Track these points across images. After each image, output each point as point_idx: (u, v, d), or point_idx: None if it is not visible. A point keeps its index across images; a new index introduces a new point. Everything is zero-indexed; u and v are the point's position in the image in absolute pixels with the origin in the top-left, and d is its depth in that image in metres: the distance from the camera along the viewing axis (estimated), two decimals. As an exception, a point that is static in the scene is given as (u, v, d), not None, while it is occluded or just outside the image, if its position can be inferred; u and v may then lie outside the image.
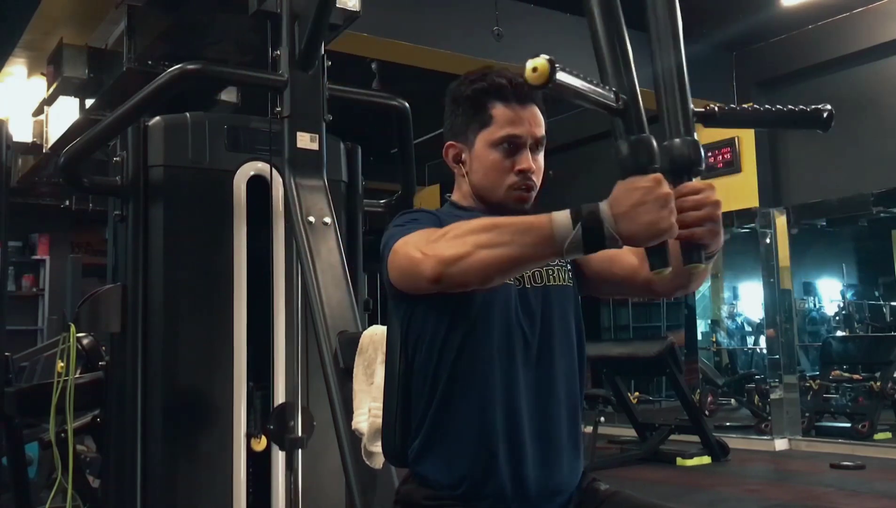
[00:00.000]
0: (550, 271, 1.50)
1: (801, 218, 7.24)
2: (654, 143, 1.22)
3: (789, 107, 1.35)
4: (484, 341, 1.41)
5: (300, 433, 2.63)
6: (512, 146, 1.47)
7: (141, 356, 2.69)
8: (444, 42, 5.40)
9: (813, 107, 1.33)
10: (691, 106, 1.29)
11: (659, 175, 1.17)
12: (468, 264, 1.23)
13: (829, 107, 1.32)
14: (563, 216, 1.19)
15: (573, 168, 8.43)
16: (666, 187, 1.16)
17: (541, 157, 1.51)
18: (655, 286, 1.51)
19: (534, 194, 1.50)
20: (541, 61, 1.06)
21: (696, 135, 1.26)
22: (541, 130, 1.50)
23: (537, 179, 1.50)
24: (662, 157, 1.23)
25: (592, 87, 1.16)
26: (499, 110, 1.47)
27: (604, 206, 1.17)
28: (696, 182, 1.23)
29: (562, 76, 1.08)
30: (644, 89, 1.27)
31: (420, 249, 1.30)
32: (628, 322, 11.02)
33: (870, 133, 6.46)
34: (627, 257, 1.53)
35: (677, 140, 1.25)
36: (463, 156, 1.53)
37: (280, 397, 2.75)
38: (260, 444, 2.70)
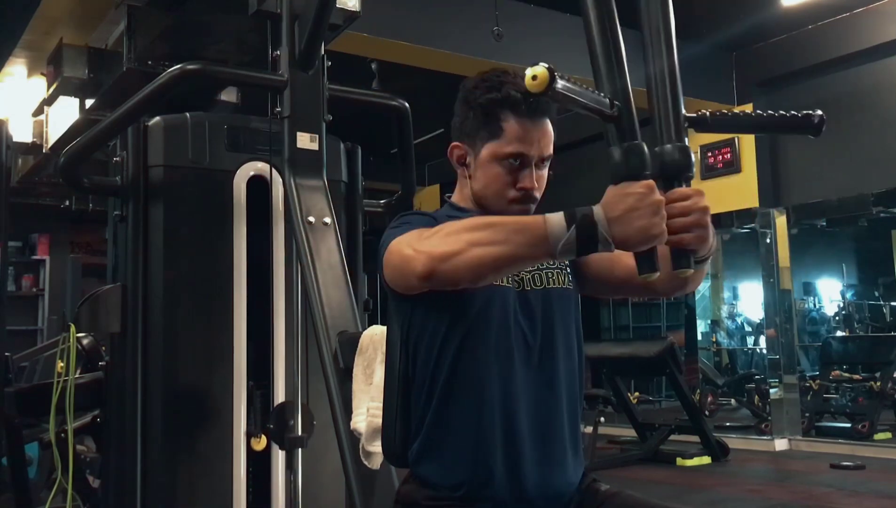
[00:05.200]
0: (550, 275, 1.50)
1: (800, 218, 7.24)
2: (646, 150, 1.24)
3: (780, 112, 1.35)
4: (482, 343, 1.41)
5: (300, 433, 2.63)
6: (518, 163, 1.46)
7: (141, 356, 2.69)
8: (444, 42, 5.40)
9: (804, 112, 1.33)
10: (683, 112, 1.30)
11: (651, 182, 1.20)
12: (460, 262, 1.23)
13: (820, 112, 1.33)
14: (557, 218, 1.20)
15: (573, 168, 8.43)
16: (657, 194, 1.19)
17: (545, 171, 1.50)
18: (655, 287, 1.49)
19: (534, 206, 1.50)
20: (540, 70, 1.08)
21: (686, 141, 1.28)
22: (549, 148, 1.48)
23: (539, 194, 1.50)
24: (654, 162, 1.24)
25: (589, 93, 1.18)
26: (510, 124, 1.44)
27: (598, 209, 1.20)
28: (685, 189, 1.26)
29: (561, 84, 1.09)
30: (641, 89, 1.28)
31: (412, 246, 1.30)
32: (628, 322, 11.02)
33: (870, 133, 6.46)
34: (626, 259, 1.51)
35: (668, 146, 1.28)
36: (468, 159, 1.52)
37: (280, 396, 2.76)
38: (260, 444, 2.70)
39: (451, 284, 1.28)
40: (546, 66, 1.07)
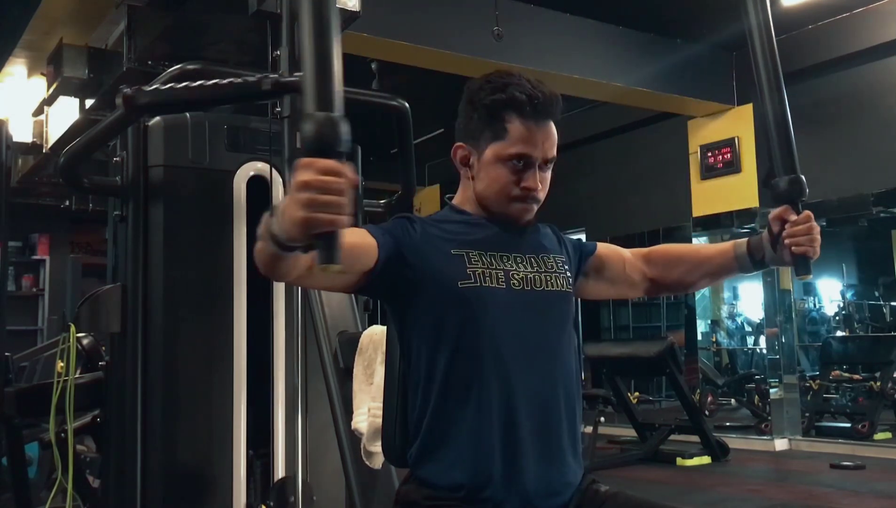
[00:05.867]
0: (548, 278, 1.51)
1: (801, 218, 7.22)
2: (336, 121, 1.05)
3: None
4: (477, 345, 1.41)
5: None
6: (521, 164, 1.46)
7: (141, 356, 2.69)
8: (444, 42, 5.39)
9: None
10: (795, 148, 1.57)
11: (308, 160, 1.03)
12: (255, 254, 1.23)
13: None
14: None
15: (573, 168, 8.42)
16: (308, 174, 1.02)
17: (548, 173, 1.52)
18: (661, 286, 1.67)
19: (536, 206, 1.52)
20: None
21: (799, 173, 1.55)
22: (553, 150, 1.49)
23: (542, 195, 1.51)
24: (772, 193, 1.53)
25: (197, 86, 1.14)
26: (514, 126, 1.45)
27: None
28: (803, 214, 1.51)
29: (144, 99, 1.10)
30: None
31: None
32: (628, 322, 11.01)
33: (870, 133, 6.46)
34: (637, 261, 1.66)
35: (784, 178, 1.55)
36: (471, 160, 1.52)
37: (280, 395, 2.75)
38: None
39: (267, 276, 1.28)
40: (126, 90, 1.08)
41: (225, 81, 1.35)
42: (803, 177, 1.55)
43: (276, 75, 1.14)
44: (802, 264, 1.52)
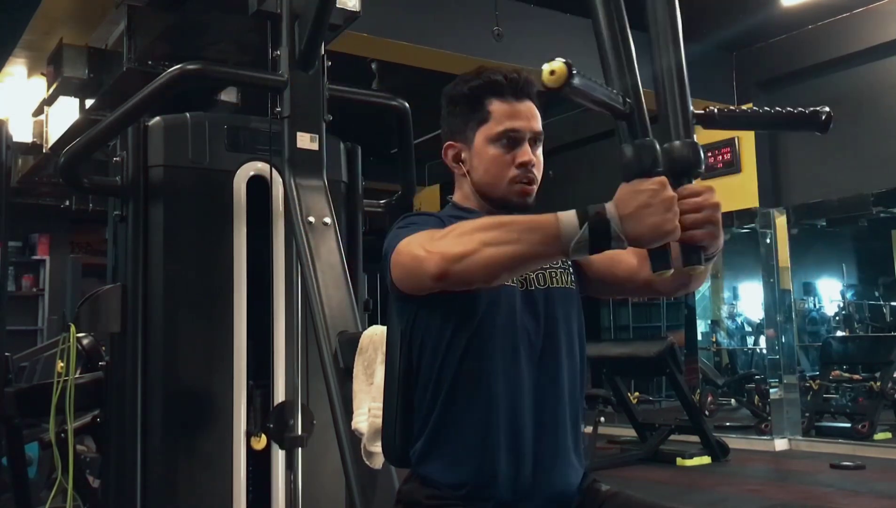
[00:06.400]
0: (553, 274, 1.50)
1: (801, 218, 7.24)
2: (658, 146, 1.24)
3: (787, 109, 1.36)
4: (488, 343, 1.41)
5: (300, 432, 2.63)
6: (511, 141, 1.48)
7: (141, 356, 2.69)
8: (444, 42, 5.40)
9: (811, 109, 1.34)
10: (691, 108, 1.30)
11: (664, 178, 1.19)
12: (473, 262, 1.24)
13: (827, 109, 1.34)
14: (569, 216, 1.20)
15: (573, 168, 8.42)
16: (670, 191, 1.18)
17: (539, 151, 1.52)
18: (656, 286, 1.52)
19: (535, 187, 1.51)
20: (558, 65, 1.09)
21: (695, 137, 1.27)
22: (538, 125, 1.51)
23: (538, 173, 1.51)
24: (663, 158, 1.24)
25: (602, 90, 1.19)
26: (496, 106, 1.49)
27: (610, 207, 1.19)
28: (696, 185, 1.25)
29: (577, 80, 1.10)
30: (645, 90, 1.28)
31: (424, 247, 1.30)
32: (628, 322, 11.02)
33: (870, 133, 6.46)
34: (628, 258, 1.54)
35: (677, 142, 1.26)
36: (463, 155, 1.53)
37: (280, 396, 2.76)
38: (260, 443, 2.70)
39: (464, 284, 1.30)
40: (563, 61, 1.08)
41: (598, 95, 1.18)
42: (695, 140, 1.26)
43: (630, 100, 1.22)
44: (687, 253, 1.23)
